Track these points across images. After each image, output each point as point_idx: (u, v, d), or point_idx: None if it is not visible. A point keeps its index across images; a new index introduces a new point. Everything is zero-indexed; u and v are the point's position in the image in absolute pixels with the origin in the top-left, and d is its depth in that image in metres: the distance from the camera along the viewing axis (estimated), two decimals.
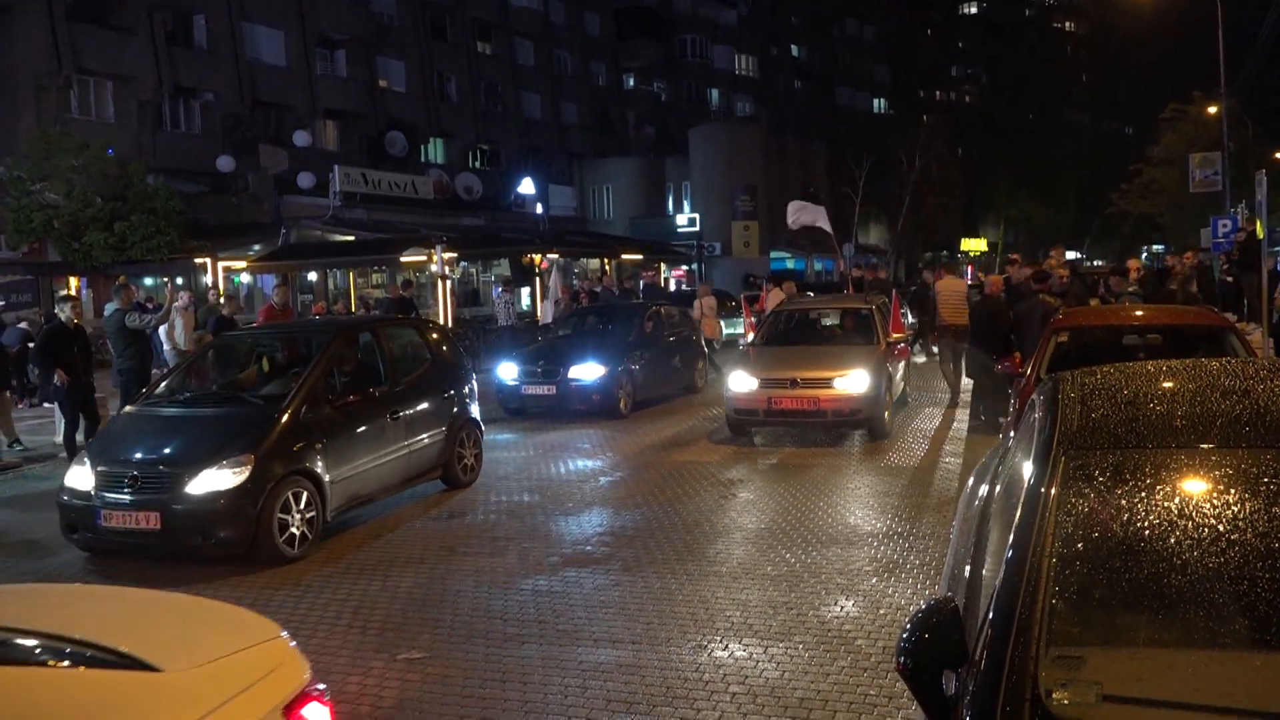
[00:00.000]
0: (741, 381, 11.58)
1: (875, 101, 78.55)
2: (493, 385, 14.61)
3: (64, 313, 11.81)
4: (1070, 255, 44.21)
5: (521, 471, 10.72)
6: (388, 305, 16.84)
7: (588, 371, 13.96)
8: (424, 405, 9.07)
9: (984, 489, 4.04)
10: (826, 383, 11.17)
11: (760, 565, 7.00)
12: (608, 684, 5.06)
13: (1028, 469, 2.85)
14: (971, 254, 61.54)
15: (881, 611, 5.98)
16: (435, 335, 10.36)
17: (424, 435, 8.98)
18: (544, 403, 14.19)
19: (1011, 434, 5.69)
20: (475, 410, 9.99)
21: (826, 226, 19.90)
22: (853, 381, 11.11)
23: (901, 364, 13.29)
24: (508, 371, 14.54)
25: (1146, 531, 2.43)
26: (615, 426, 13.40)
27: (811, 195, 46.33)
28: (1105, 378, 3.46)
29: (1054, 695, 2.04)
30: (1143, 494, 2.55)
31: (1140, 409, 3.10)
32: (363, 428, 8.28)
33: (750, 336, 13.09)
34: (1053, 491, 2.58)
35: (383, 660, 5.51)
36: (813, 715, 4.63)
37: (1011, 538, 2.48)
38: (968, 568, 3.14)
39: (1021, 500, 2.62)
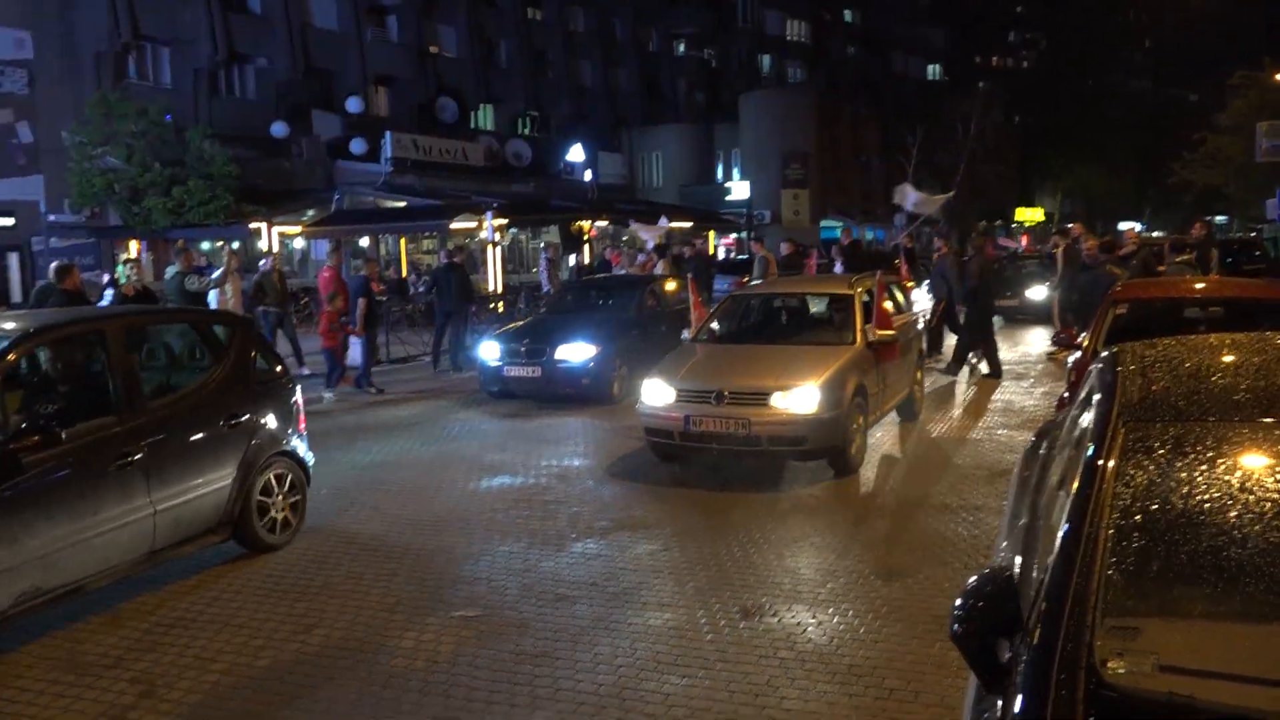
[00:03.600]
0: (656, 391, 8.57)
1: (930, 68, 77.08)
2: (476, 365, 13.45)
3: (130, 277, 12.09)
4: (1124, 225, 43.36)
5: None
6: (440, 272, 16.88)
7: (576, 352, 12.39)
8: (191, 438, 6.32)
9: (1039, 461, 4.03)
10: (761, 398, 8.09)
11: (808, 535, 7.04)
12: (657, 646, 5.14)
13: (1086, 441, 2.85)
14: (1026, 224, 60.48)
15: (933, 581, 5.99)
16: (227, 332, 7.15)
17: (188, 483, 6.19)
18: (528, 386, 12.63)
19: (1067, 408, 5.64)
20: (296, 441, 7.25)
21: (931, 210, 19.58)
22: (798, 399, 7.98)
23: (901, 368, 9.98)
24: (490, 351, 12.96)
25: (1206, 504, 2.42)
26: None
27: (864, 164, 45.70)
28: (1166, 350, 3.43)
29: (1109, 664, 2.06)
30: (1203, 467, 2.54)
31: (1202, 382, 3.08)
32: (53, 484, 5.37)
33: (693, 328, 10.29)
34: (1111, 463, 2.58)
35: (438, 618, 5.65)
36: (861, 681, 4.68)
37: (1068, 509, 2.49)
38: (1022, 538, 3.15)
39: (1079, 472, 2.63)
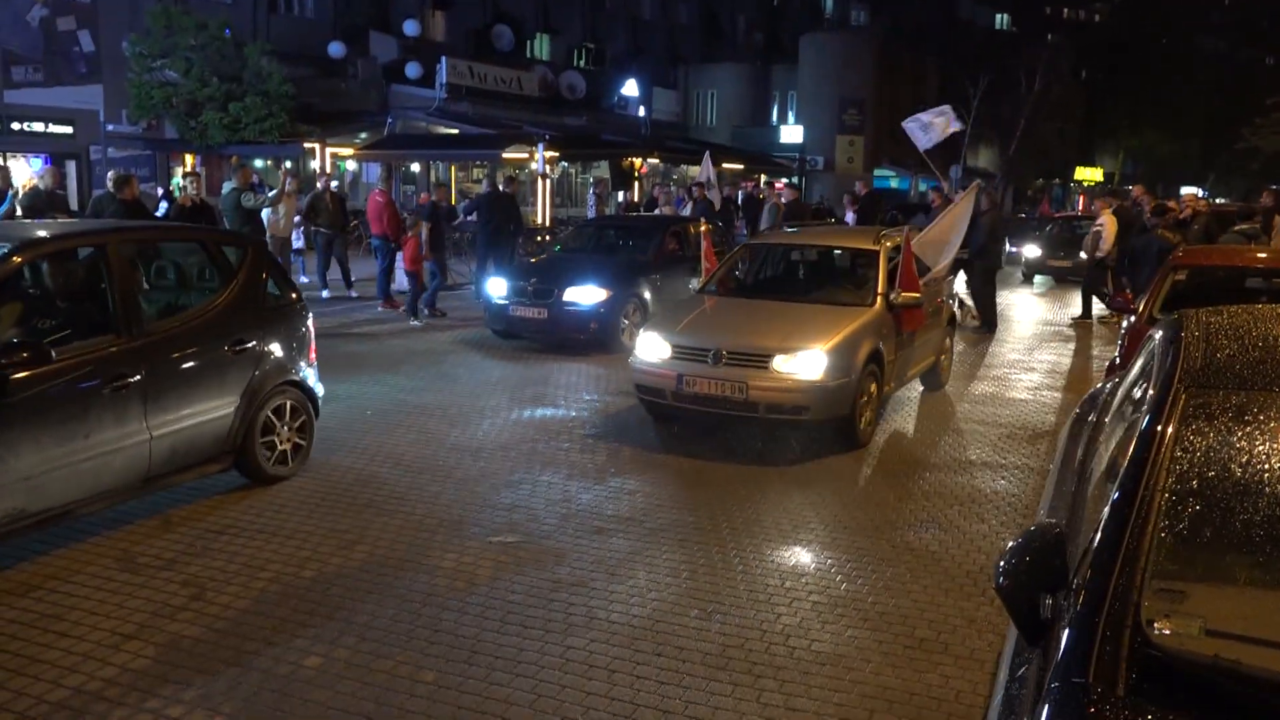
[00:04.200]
0: (650, 346, 8.00)
1: (998, 17, 74.91)
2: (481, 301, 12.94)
3: (187, 189, 12.23)
4: (1185, 191, 42.22)
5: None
6: (480, 199, 16.62)
7: (586, 295, 11.65)
8: (193, 362, 6.04)
9: (1089, 423, 4.00)
10: (761, 361, 7.48)
11: (848, 486, 7.06)
12: (694, 582, 5.22)
13: (1144, 405, 2.82)
14: (1086, 183, 59.11)
15: (969, 537, 6.00)
16: (237, 254, 6.75)
17: (189, 409, 5.96)
18: (533, 327, 11.97)
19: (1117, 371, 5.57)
20: (305, 370, 6.97)
21: (939, 135, 18.43)
22: (802, 363, 7.40)
23: (926, 336, 9.23)
24: (497, 288, 12.23)
25: (1265, 474, 2.40)
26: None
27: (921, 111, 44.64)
28: (1231, 318, 3.37)
29: (1156, 625, 2.06)
30: (1264, 437, 2.51)
31: (1269, 351, 3.02)
32: (42, 404, 5.12)
33: (702, 278, 9.81)
34: (1170, 428, 2.56)
35: (478, 541, 5.76)
36: (892, 630, 4.73)
37: (1124, 471, 2.48)
38: (1070, 498, 3.15)
39: (1137, 435, 2.61)
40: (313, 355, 7.13)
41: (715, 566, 5.43)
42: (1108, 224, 14.80)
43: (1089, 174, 61.60)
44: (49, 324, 5.76)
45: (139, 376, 5.60)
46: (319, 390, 7.18)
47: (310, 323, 7.18)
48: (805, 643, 4.57)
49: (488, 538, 5.81)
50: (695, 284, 9.76)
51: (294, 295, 7.13)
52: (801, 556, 5.62)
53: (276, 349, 6.67)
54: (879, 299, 8.38)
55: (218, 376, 6.22)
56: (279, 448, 6.71)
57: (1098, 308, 15.46)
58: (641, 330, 8.33)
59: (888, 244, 8.94)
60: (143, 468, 5.70)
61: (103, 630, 4.56)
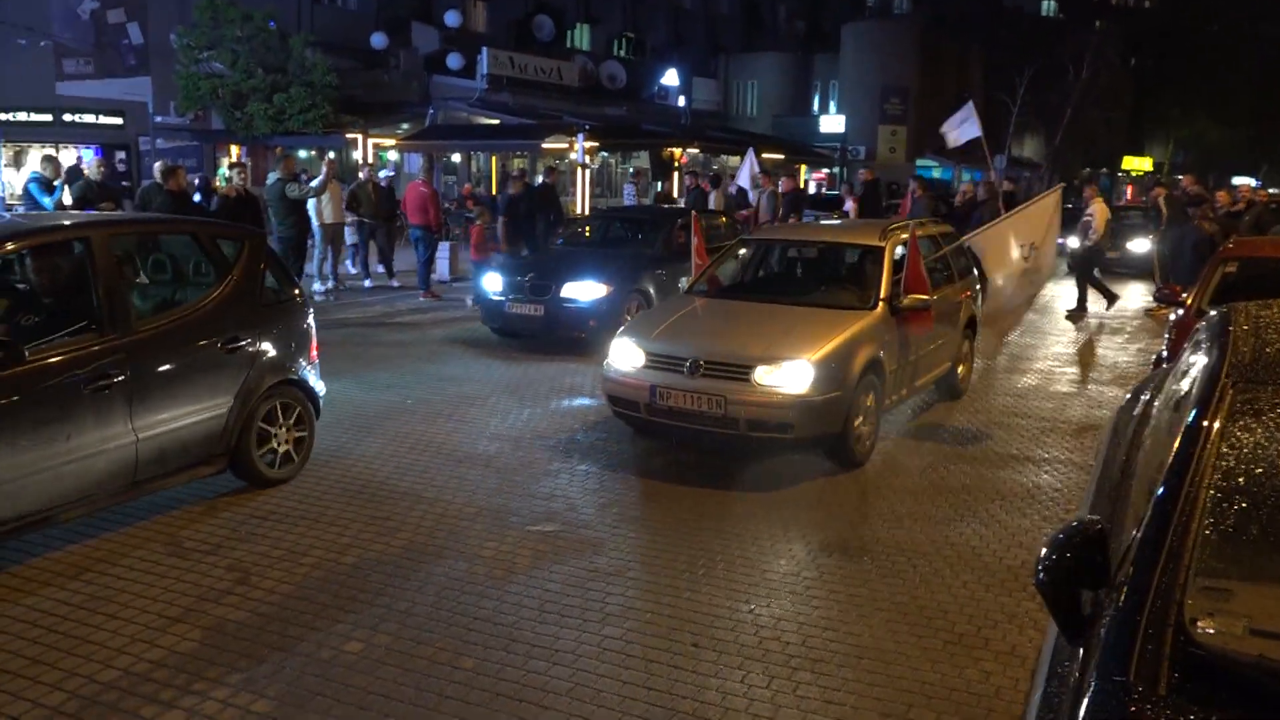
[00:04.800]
0: (623, 352, 7.26)
1: (1044, 3, 73.72)
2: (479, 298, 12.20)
3: (232, 180, 12.40)
4: (1238, 180, 41.30)
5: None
6: (526, 193, 16.67)
7: (585, 290, 10.98)
8: (183, 361, 5.78)
9: (1134, 418, 3.95)
10: (742, 372, 6.70)
11: (888, 478, 7.02)
12: (731, 573, 5.22)
13: (1190, 400, 2.78)
14: (1134, 173, 58.07)
15: (1010, 532, 5.95)
16: (234, 247, 6.44)
17: (178, 410, 5.70)
18: (530, 325, 11.31)
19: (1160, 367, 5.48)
20: (306, 370, 6.70)
21: (971, 133, 17.88)
22: (786, 375, 6.62)
23: (940, 341, 8.45)
24: (493, 283, 11.61)
25: None
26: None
27: (964, 99, 44.14)
28: None
29: (1199, 623, 2.04)
30: None
31: None
32: (15, 406, 4.90)
33: (692, 276, 9.10)
34: (1216, 424, 2.53)
35: (516, 530, 5.81)
36: (931, 625, 4.70)
37: (1168, 467, 2.45)
38: (1113, 494, 3.11)
39: (1182, 430, 2.57)
40: (314, 353, 6.84)
41: (752, 558, 5.43)
42: (1098, 213, 14.57)
43: (1137, 163, 60.50)
44: (31, 320, 5.45)
45: (123, 376, 5.36)
46: (320, 389, 6.90)
47: (311, 319, 6.90)
48: (844, 634, 4.56)
49: (526, 526, 5.85)
50: (685, 283, 8.97)
51: (294, 291, 6.85)
52: (840, 549, 5.60)
53: (274, 347, 6.38)
54: (881, 302, 7.60)
55: (209, 376, 5.95)
56: (277, 449, 6.44)
57: (1094, 303, 14.98)
58: (617, 335, 7.58)
59: (892, 241, 8.13)
60: (128, 471, 5.46)
61: (150, 613, 4.66)
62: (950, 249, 8.92)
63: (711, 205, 17.70)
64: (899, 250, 8.00)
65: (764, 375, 6.67)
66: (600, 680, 4.13)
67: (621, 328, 7.87)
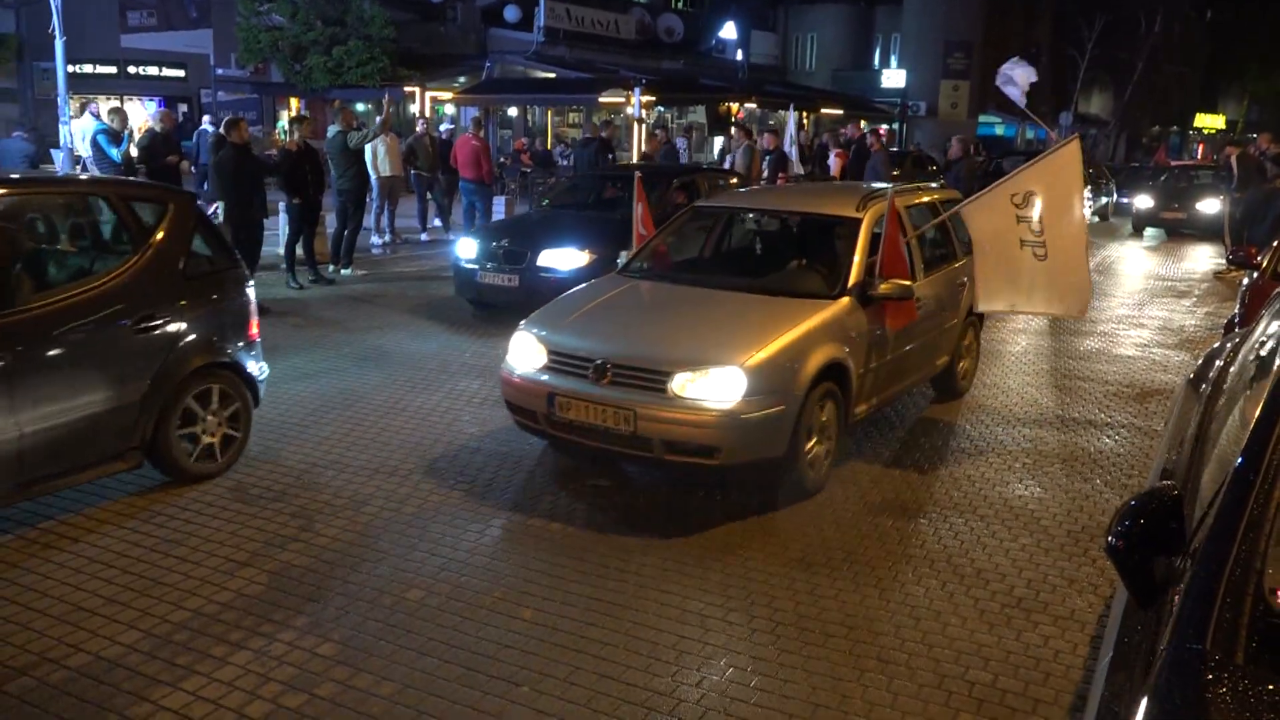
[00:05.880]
0: (522, 349, 5.89)
1: None
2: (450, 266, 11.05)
3: (294, 133, 12.48)
4: None
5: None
6: (582, 148, 16.69)
7: (564, 259, 9.62)
8: (81, 342, 5.01)
9: (1209, 383, 3.86)
10: (655, 379, 5.28)
11: (946, 441, 6.95)
12: (788, 543, 5.22)
13: (1271, 368, 2.70)
14: (1206, 130, 56.28)
15: (1071, 496, 5.87)
16: (155, 211, 5.59)
17: (75, 400, 4.94)
18: (504, 296, 9.90)
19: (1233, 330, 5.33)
20: (241, 352, 5.87)
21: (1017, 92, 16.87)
22: (711, 385, 5.20)
23: (924, 333, 6.78)
24: (466, 249, 10.35)
25: None
26: None
27: (1034, 56, 42.99)
28: None
29: (1279, 593, 2.00)
30: None
31: None
32: None
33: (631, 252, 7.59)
34: None
35: (574, 486, 5.85)
36: (988, 588, 4.66)
37: (1249, 434, 2.38)
38: (1187, 459, 3.04)
39: (1265, 396, 2.50)
40: (253, 331, 6.01)
41: (807, 518, 5.42)
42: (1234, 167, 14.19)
43: (1210, 121, 58.59)
44: None
45: (3, 362, 4.61)
46: (260, 372, 6.07)
47: (250, 293, 6.06)
48: (900, 596, 4.55)
49: (586, 481, 5.90)
50: (623, 259, 7.73)
51: (229, 261, 6.02)
52: (894, 509, 5.57)
53: (201, 325, 5.58)
54: (849, 288, 6.04)
55: (115, 359, 5.16)
56: (204, 441, 5.65)
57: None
58: (521, 324, 6.09)
59: (870, 213, 6.51)
60: (11, 470, 4.70)
61: (218, 557, 4.79)
62: (948, 215, 7.04)
63: (731, 165, 15.91)
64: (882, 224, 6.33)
65: (684, 384, 5.22)
66: (659, 635, 4.16)
67: (527, 316, 6.22)
